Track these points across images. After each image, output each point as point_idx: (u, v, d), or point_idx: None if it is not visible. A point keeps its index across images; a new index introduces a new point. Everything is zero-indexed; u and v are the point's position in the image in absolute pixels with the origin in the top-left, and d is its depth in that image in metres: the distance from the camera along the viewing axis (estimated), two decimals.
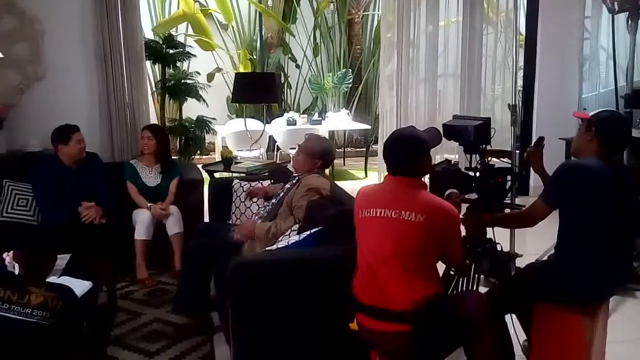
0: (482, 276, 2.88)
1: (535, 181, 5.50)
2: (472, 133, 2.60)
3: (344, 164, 8.39)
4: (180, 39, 6.14)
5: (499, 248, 2.87)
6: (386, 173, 2.40)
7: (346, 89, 8.72)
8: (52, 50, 4.79)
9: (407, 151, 2.34)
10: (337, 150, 8.51)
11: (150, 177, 4.24)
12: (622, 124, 2.50)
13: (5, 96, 4.72)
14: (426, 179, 2.45)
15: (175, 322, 3.35)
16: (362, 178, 7.50)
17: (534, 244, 3.64)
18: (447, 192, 2.60)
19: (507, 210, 2.88)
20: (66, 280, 2.77)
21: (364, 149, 8.18)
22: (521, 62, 6.27)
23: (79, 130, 4.08)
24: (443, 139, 2.67)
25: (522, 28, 6.24)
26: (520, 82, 6.18)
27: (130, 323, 3.39)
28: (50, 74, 4.81)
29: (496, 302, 2.48)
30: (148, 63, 5.51)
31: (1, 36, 4.65)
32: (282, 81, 8.68)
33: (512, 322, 2.68)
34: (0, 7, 4.64)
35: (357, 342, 2.37)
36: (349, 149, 9.02)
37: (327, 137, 6.51)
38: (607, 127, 2.44)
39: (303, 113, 8.06)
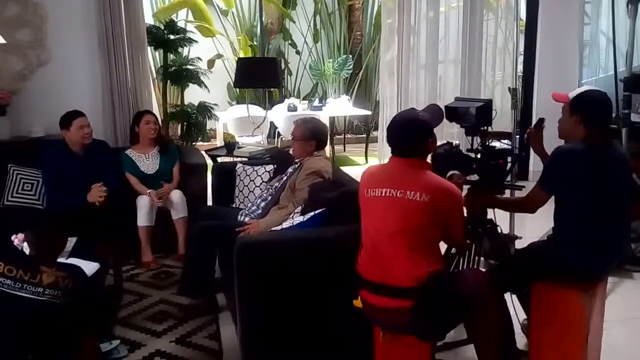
0: (482, 258, 2.95)
1: (534, 165, 5.55)
2: (474, 114, 2.64)
3: (344, 150, 8.43)
4: (181, 25, 6.15)
5: (499, 230, 2.92)
6: (389, 156, 2.45)
7: (346, 75, 8.74)
8: (55, 36, 4.80)
9: (410, 134, 2.38)
10: (338, 136, 8.56)
11: (148, 163, 4.27)
12: (604, 103, 2.54)
13: (9, 82, 4.73)
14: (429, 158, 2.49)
15: (181, 303, 3.42)
16: (363, 164, 7.54)
17: (533, 226, 3.69)
18: (448, 174, 2.65)
19: (508, 192, 2.92)
20: (75, 262, 2.82)
21: (364, 136, 8.21)
22: (521, 48, 6.29)
23: (84, 115, 4.09)
24: (444, 120, 2.72)
25: (523, 13, 6.26)
26: (520, 67, 6.21)
27: (137, 304, 3.45)
28: (53, 60, 4.82)
29: (497, 281, 2.54)
30: (149, 49, 5.53)
31: (4, 22, 4.65)
32: (283, 67, 8.69)
33: (512, 301, 2.74)
34: None
35: (361, 319, 2.42)
36: (349, 136, 9.05)
37: (328, 123, 6.53)
38: (590, 110, 2.49)
39: (304, 99, 8.07)
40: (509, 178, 2.90)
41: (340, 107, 7.50)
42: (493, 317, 2.47)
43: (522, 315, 2.86)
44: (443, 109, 2.69)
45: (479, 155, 2.78)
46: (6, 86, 4.70)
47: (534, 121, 2.98)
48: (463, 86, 5.92)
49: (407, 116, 2.47)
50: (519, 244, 3.54)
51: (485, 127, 2.76)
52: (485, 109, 2.67)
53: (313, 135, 3.41)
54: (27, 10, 4.73)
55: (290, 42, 8.98)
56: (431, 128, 2.41)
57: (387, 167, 2.46)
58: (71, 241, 3.16)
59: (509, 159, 2.79)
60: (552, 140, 2.66)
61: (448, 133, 5.41)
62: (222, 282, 3.28)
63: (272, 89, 7.67)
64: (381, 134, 6.32)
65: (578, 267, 2.46)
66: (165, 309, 3.40)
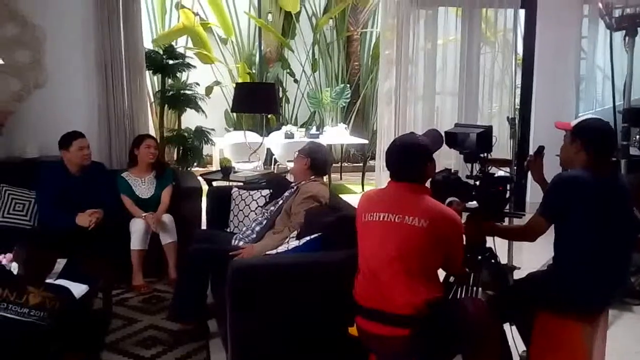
0: (479, 289, 2.89)
1: (532, 197, 5.52)
2: (475, 141, 2.61)
3: (341, 178, 8.41)
4: (180, 51, 6.18)
5: (498, 260, 2.87)
6: (388, 181, 2.41)
7: (344, 104, 8.77)
8: (53, 58, 4.80)
9: (409, 159, 2.35)
10: (334, 165, 8.54)
11: (144, 187, 4.22)
12: (605, 132, 2.54)
13: (5, 103, 4.71)
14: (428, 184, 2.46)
15: (171, 329, 3.33)
16: (359, 192, 7.50)
17: (532, 257, 3.65)
18: (447, 200, 2.61)
19: (507, 219, 2.89)
20: (63, 283, 2.75)
21: (361, 164, 8.20)
22: (518, 81, 6.34)
23: (84, 137, 4.08)
24: (442, 147, 2.69)
25: (519, 47, 6.32)
26: (517, 100, 6.24)
27: (126, 329, 3.36)
28: (50, 82, 4.81)
29: (496, 310, 2.48)
30: (148, 73, 5.53)
31: (3, 43, 4.66)
32: (280, 95, 8.72)
33: (511, 332, 2.68)
34: (3, 14, 4.66)
35: (356, 347, 2.35)
36: (346, 164, 9.04)
37: None
38: (591, 137, 2.48)
39: (301, 127, 8.08)
40: (508, 206, 2.86)
41: (337, 136, 7.51)
42: (492, 348, 2.40)
43: (521, 346, 2.79)
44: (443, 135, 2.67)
45: (478, 182, 2.75)
46: (2, 107, 4.68)
47: (531, 153, 2.96)
48: (460, 117, 5.94)
49: (406, 140, 2.44)
50: (517, 275, 3.50)
51: (485, 154, 2.73)
52: (486, 135, 2.65)
53: (309, 152, 3.42)
54: (26, 31, 4.74)
55: (288, 70, 9.03)
56: (431, 152, 2.38)
57: (385, 192, 2.42)
58: (61, 262, 3.09)
59: (509, 186, 2.75)
60: (550, 171, 2.65)
61: (445, 163, 5.39)
62: (214, 307, 3.20)
63: (269, 116, 7.68)
64: (378, 163, 6.30)
65: (578, 298, 2.41)
66: (155, 334, 3.31)
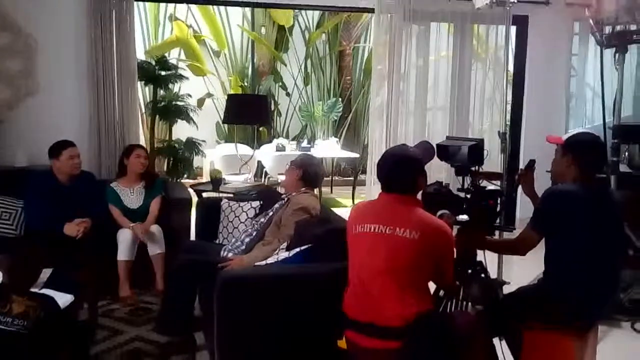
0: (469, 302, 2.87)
1: (522, 212, 5.53)
2: (466, 154, 2.61)
3: (332, 192, 8.39)
4: (173, 62, 6.18)
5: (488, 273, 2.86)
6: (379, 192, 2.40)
7: (336, 118, 8.79)
8: (45, 66, 4.79)
9: (400, 170, 2.34)
10: (325, 178, 8.53)
11: (132, 198, 4.18)
12: (596, 145, 2.56)
13: None
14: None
15: (157, 341, 3.28)
16: (350, 206, 7.49)
17: (522, 272, 3.64)
18: (438, 213, 2.60)
19: (497, 233, 2.88)
20: (48, 293, 2.70)
21: (352, 179, 8.19)
22: (509, 97, 6.37)
23: (74, 145, 4.05)
24: (433, 160, 2.69)
25: (510, 64, 6.36)
26: (508, 116, 6.27)
27: (111, 340, 3.30)
28: (41, 90, 4.80)
29: (485, 324, 2.46)
30: (139, 84, 5.52)
31: None
32: (272, 109, 8.72)
33: (500, 347, 2.66)
34: None
35: None
36: (337, 178, 9.03)
37: None
38: (582, 150, 2.51)
39: (292, 140, 8.08)
40: (498, 220, 2.85)
41: (328, 149, 7.51)
42: None
43: None
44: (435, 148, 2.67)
45: (469, 196, 2.74)
46: None
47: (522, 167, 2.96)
48: (451, 133, 5.95)
49: (398, 151, 2.44)
50: (507, 290, 3.48)
51: (477, 167, 2.73)
52: (477, 148, 2.65)
53: (301, 162, 3.42)
54: (19, 39, 4.73)
55: (280, 84, 9.05)
56: (422, 164, 2.38)
57: (376, 203, 2.41)
58: (46, 272, 3.05)
59: (499, 200, 2.75)
60: (541, 186, 2.66)
61: (436, 177, 5.40)
62: (201, 319, 3.16)
63: (260, 129, 7.67)
64: (369, 177, 6.30)
65: (569, 312, 2.40)
66: (141, 346, 3.25)
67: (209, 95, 8.39)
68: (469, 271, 2.72)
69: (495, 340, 2.61)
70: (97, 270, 3.40)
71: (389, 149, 2.51)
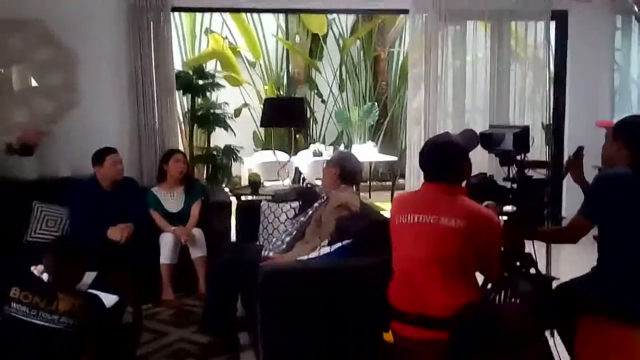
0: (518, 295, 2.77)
1: (567, 210, 5.35)
2: (511, 141, 2.53)
3: (370, 197, 8.33)
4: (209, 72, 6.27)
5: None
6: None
7: (372, 122, 8.75)
8: (86, 79, 4.88)
9: (445, 158, 2.29)
10: (363, 183, 8.47)
11: (173, 202, 4.23)
12: None
13: (39, 124, 4.79)
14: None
15: (201, 342, 3.28)
16: (388, 210, 7.40)
17: (572, 267, 3.51)
18: (484, 204, 2.52)
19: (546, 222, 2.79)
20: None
21: (390, 183, 8.12)
22: (550, 96, 6.21)
23: (116, 152, 4.13)
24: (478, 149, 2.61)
25: (551, 61, 6.20)
26: (550, 113, 6.11)
27: (156, 342, 3.33)
28: (82, 103, 4.88)
29: (537, 317, 2.37)
30: (177, 94, 5.59)
31: (36, 65, 4.76)
32: (308, 116, 8.74)
33: (553, 342, 2.55)
34: (37, 38, 4.76)
35: (391, 355, 2.26)
36: (375, 183, 8.96)
37: None
38: (634, 133, 2.40)
39: (329, 145, 8.07)
40: (545, 210, 2.76)
41: (366, 153, 7.45)
42: (534, 356, 2.29)
43: (565, 356, 2.65)
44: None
45: (515, 186, 2.65)
46: (36, 127, 4.75)
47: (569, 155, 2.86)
48: None
49: (441, 139, 2.39)
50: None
51: (523, 156, 2.64)
52: (523, 136, 2.56)
53: (338, 160, 3.40)
54: (59, 54, 4.82)
55: (316, 91, 9.07)
56: (466, 152, 2.32)
57: (419, 193, 2.36)
58: (90, 275, 3.08)
59: (547, 189, 2.65)
60: (588, 177, 2.57)
61: (479, 169, 5.28)
62: (244, 320, 3.14)
63: (297, 136, 7.68)
64: (408, 182, 6.22)
65: (625, 302, 2.28)
66: (185, 347, 3.27)
67: (245, 104, 8.45)
68: (517, 263, 2.62)
69: (548, 334, 2.51)
70: (139, 274, 3.41)
71: (432, 137, 2.46)
